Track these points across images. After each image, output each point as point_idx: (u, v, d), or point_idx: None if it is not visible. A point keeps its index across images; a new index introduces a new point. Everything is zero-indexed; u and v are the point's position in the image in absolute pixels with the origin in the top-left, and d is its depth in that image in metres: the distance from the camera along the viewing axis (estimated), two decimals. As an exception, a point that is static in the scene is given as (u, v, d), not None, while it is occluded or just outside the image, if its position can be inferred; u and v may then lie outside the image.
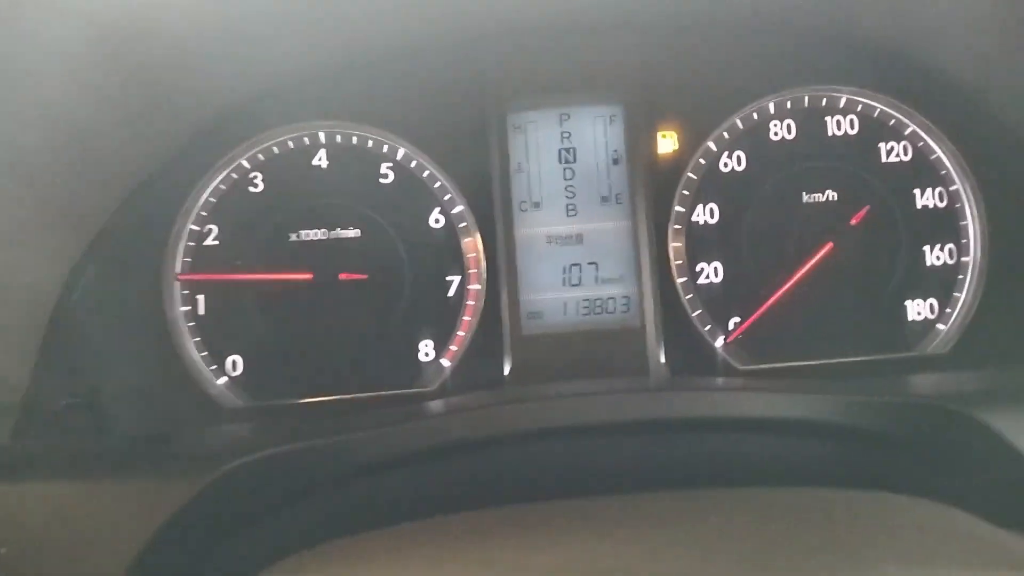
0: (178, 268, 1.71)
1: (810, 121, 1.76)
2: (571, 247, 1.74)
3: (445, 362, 1.71)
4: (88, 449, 1.37)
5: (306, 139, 1.76)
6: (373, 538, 1.01)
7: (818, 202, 1.74)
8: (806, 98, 1.76)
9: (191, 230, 1.72)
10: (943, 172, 1.75)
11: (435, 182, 1.75)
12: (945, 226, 1.74)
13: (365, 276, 1.72)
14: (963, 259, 1.73)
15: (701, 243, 1.74)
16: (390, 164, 1.75)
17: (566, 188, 1.75)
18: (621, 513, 0.99)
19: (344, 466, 1.20)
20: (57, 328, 1.60)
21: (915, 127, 1.75)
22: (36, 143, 1.38)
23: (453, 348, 1.71)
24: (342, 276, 1.71)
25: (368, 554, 0.97)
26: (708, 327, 1.72)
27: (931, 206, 1.74)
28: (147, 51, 1.42)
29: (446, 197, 1.74)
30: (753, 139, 1.76)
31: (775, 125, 1.76)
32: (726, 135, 1.75)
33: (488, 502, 1.07)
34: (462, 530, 1.00)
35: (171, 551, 1.05)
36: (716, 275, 1.73)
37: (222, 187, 1.74)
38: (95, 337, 1.63)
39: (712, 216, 1.75)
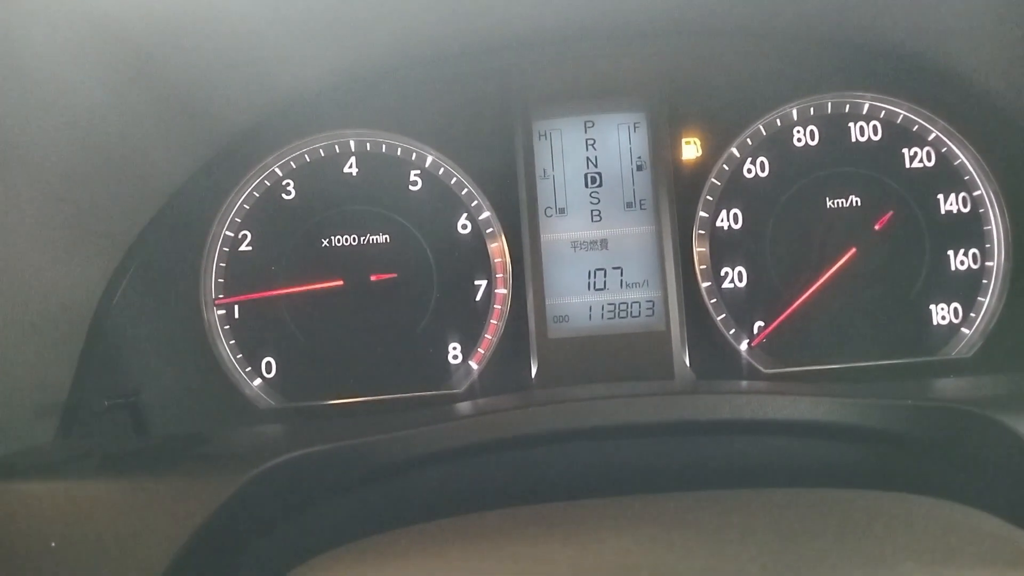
0: (213, 274, 1.76)
1: (833, 127, 1.77)
2: (596, 252, 1.76)
3: (473, 364, 1.75)
4: (128, 448, 1.41)
5: (337, 147, 1.80)
6: (402, 535, 1.04)
7: (842, 207, 1.75)
8: (829, 104, 1.78)
9: (226, 236, 1.77)
10: (967, 177, 1.75)
11: (462, 189, 1.78)
12: (969, 231, 1.75)
13: (395, 275, 1.75)
14: (987, 264, 1.74)
15: (725, 248, 1.76)
16: (418, 171, 1.79)
17: (591, 194, 1.78)
18: (646, 512, 1.01)
19: (375, 466, 1.22)
20: (97, 331, 1.65)
21: (938, 133, 1.76)
22: (71, 154, 1.42)
23: (481, 351, 1.75)
24: (373, 278, 1.75)
25: (397, 551, 0.99)
26: (732, 331, 1.73)
27: (955, 211, 1.75)
28: (178, 62, 1.46)
29: (473, 203, 1.78)
30: (777, 145, 1.77)
31: (798, 131, 1.78)
32: (749, 141, 1.77)
33: (515, 501, 1.10)
34: (490, 528, 1.02)
35: (208, 547, 1.08)
36: (740, 280, 1.75)
37: (255, 194, 1.79)
38: (134, 340, 1.68)
39: (736, 221, 1.76)
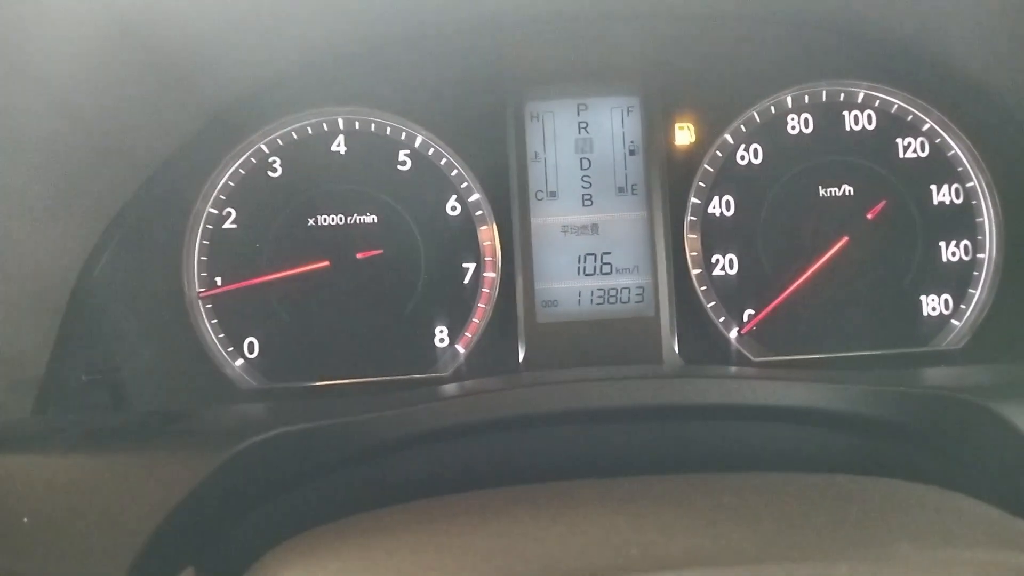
0: (196, 250, 1.73)
1: (828, 115, 1.77)
2: (586, 237, 1.75)
3: (460, 348, 1.72)
4: (106, 424, 1.38)
5: (325, 125, 1.77)
6: (387, 514, 1.02)
7: (834, 196, 1.74)
8: (824, 92, 1.77)
9: (210, 213, 1.74)
10: (960, 169, 1.75)
11: (452, 170, 1.76)
12: (961, 222, 1.74)
13: (381, 251, 1.73)
14: (978, 256, 1.74)
15: (717, 235, 1.74)
16: (408, 151, 1.77)
17: (582, 178, 1.76)
18: (636, 492, 0.99)
19: (359, 446, 1.20)
20: (78, 305, 1.62)
21: (932, 123, 1.75)
22: (55, 127, 1.39)
23: (468, 335, 1.72)
24: (360, 255, 1.72)
25: (381, 530, 0.98)
26: (722, 318, 1.72)
27: (947, 202, 1.75)
28: (164, 36, 1.43)
29: (463, 185, 1.75)
30: (770, 132, 1.76)
31: (792, 119, 1.77)
32: (743, 128, 1.76)
33: (502, 482, 1.08)
34: (477, 506, 1.01)
35: (187, 526, 1.06)
36: (731, 267, 1.74)
37: (241, 171, 1.75)
38: (115, 315, 1.65)
39: (728, 208, 1.75)
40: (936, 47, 1.71)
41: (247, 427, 1.17)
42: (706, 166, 1.75)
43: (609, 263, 1.74)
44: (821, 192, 1.74)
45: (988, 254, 1.73)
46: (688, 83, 1.76)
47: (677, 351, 1.68)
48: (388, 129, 1.77)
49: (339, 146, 1.77)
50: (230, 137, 1.74)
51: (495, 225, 1.74)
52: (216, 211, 1.74)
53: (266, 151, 1.76)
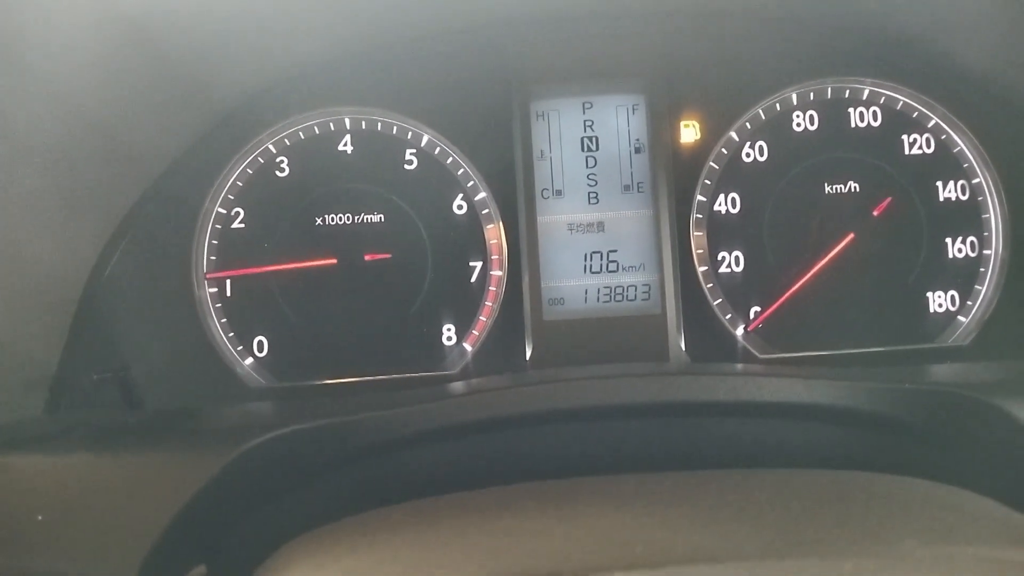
0: (205, 250, 1.74)
1: (833, 112, 1.76)
2: (592, 235, 1.75)
3: (467, 346, 1.73)
4: (117, 423, 1.39)
5: (331, 124, 1.77)
6: (396, 512, 1.03)
7: (840, 193, 1.74)
8: (829, 89, 1.76)
9: (218, 213, 1.75)
10: (965, 165, 1.75)
11: (458, 169, 1.76)
12: (967, 219, 1.74)
13: (389, 255, 1.74)
14: (984, 252, 1.73)
15: (722, 232, 1.75)
16: (414, 150, 1.77)
17: (588, 176, 1.76)
18: (642, 489, 1.00)
19: (368, 443, 1.21)
20: (88, 305, 1.63)
21: (938, 120, 1.75)
22: (63, 129, 1.40)
23: (475, 332, 1.73)
24: (367, 257, 1.73)
25: (390, 527, 0.98)
26: (729, 316, 1.72)
27: (953, 199, 1.74)
28: (172, 38, 1.43)
29: (469, 184, 1.76)
30: (776, 130, 1.76)
31: (798, 116, 1.77)
32: (749, 125, 1.76)
33: (510, 480, 1.08)
34: (485, 504, 1.01)
35: (198, 523, 1.07)
36: (737, 264, 1.74)
37: (249, 171, 1.76)
38: (125, 315, 1.66)
39: (734, 206, 1.75)
40: (941, 43, 1.71)
41: (257, 425, 1.17)
42: (712, 164, 1.75)
43: (615, 261, 1.74)
44: (827, 189, 1.74)
45: (994, 250, 1.73)
46: (693, 81, 1.76)
47: (683, 348, 1.68)
48: (394, 128, 1.77)
49: (346, 146, 1.77)
50: (238, 137, 1.75)
51: (501, 224, 1.74)
52: (224, 211, 1.75)
53: (273, 151, 1.77)
